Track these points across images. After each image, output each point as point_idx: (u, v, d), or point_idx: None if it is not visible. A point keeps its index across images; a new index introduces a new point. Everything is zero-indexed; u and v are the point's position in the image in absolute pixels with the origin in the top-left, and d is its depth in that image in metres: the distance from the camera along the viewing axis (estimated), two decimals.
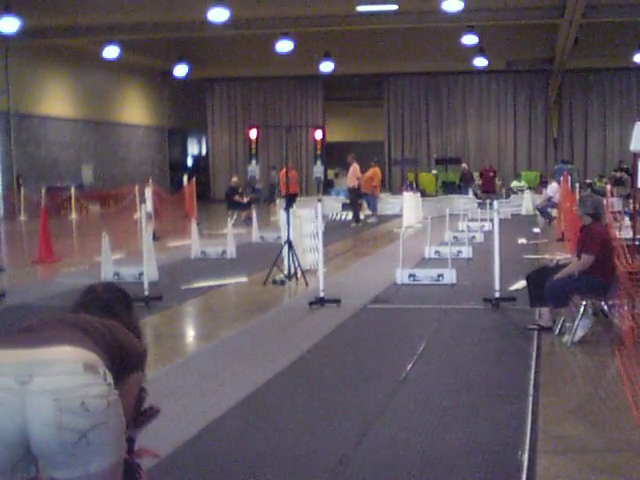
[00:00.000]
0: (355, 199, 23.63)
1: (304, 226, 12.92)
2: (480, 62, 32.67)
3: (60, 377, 2.72)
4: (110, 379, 2.84)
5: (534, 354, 7.39)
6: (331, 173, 37.09)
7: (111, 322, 3.16)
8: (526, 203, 26.52)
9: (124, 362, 3.04)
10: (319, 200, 11.21)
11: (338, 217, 25.37)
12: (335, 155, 35.60)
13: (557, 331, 8.10)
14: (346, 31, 29.96)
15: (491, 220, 13.50)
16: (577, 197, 14.53)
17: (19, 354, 2.79)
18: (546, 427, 5.40)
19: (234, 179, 24.85)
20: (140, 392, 3.37)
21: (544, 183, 27.45)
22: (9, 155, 28.84)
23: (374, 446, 5.12)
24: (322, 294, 9.87)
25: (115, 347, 3.01)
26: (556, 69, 34.19)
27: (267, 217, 24.68)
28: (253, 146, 12.91)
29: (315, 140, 13.58)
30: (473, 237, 16.62)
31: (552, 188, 21.75)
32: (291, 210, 12.50)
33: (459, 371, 6.92)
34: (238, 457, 4.99)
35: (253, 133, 12.77)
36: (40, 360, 2.75)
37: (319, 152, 13.85)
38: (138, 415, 3.39)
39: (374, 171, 23.87)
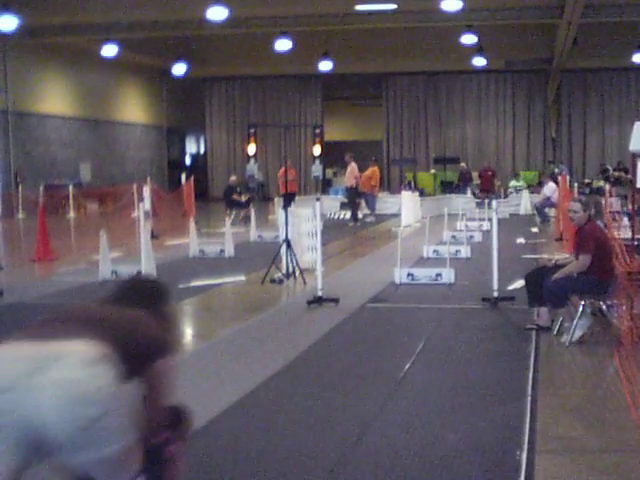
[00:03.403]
0: (353, 198, 23.63)
1: (302, 225, 12.90)
2: (479, 62, 32.66)
3: (71, 369, 2.91)
4: (119, 370, 3.04)
5: (532, 354, 7.38)
6: (329, 172, 37.07)
7: (136, 314, 3.39)
8: (524, 203, 26.53)
9: (146, 351, 3.26)
10: (317, 199, 11.19)
11: (336, 216, 25.36)
12: (333, 154, 35.60)
13: (555, 331, 8.09)
14: (345, 30, 29.92)
15: (489, 220, 13.50)
16: (574, 196, 14.51)
17: (33, 348, 2.99)
18: (545, 427, 5.39)
19: (232, 178, 24.84)
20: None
21: (541, 183, 27.44)
22: (7, 153, 28.81)
23: (372, 446, 5.11)
24: (320, 293, 9.86)
25: (134, 339, 3.23)
26: (555, 69, 34.19)
27: (265, 216, 24.67)
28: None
29: (314, 140, 13.57)
30: (471, 236, 16.63)
31: (549, 188, 21.74)
32: (289, 209, 12.49)
33: (457, 371, 6.91)
34: (236, 456, 4.98)
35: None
36: (52, 353, 2.95)
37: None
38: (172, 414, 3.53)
39: (373, 170, 23.87)
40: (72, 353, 2.98)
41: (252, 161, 13.24)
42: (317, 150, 13.36)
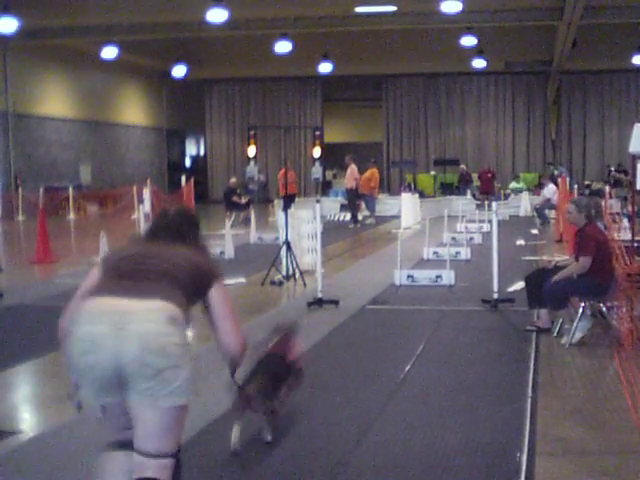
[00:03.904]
0: (353, 200, 23.63)
1: (302, 227, 12.90)
2: (479, 63, 32.69)
3: (148, 325, 3.38)
4: (189, 332, 3.59)
5: (532, 356, 7.38)
6: (329, 174, 37.07)
7: (190, 253, 3.77)
8: (524, 204, 26.53)
9: (205, 281, 3.70)
10: (317, 201, 11.19)
11: (336, 218, 25.36)
12: (333, 156, 35.61)
13: (556, 333, 8.09)
14: (345, 32, 29.93)
15: (489, 221, 13.50)
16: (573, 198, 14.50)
17: (117, 304, 3.44)
18: (545, 429, 5.39)
19: (232, 180, 24.84)
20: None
21: (541, 185, 27.45)
22: (7, 155, 28.81)
23: (373, 447, 5.12)
24: (320, 295, 9.86)
25: (197, 275, 3.66)
26: (555, 71, 34.20)
27: (265, 218, 24.67)
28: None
29: (314, 142, 13.58)
30: (471, 238, 16.62)
31: (549, 190, 21.73)
32: (289, 211, 12.50)
33: (457, 372, 6.91)
34: (236, 458, 4.98)
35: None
36: (134, 311, 3.41)
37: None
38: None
39: (372, 172, 23.87)
40: (153, 311, 3.42)
41: (252, 163, 13.24)
42: (317, 152, 13.36)
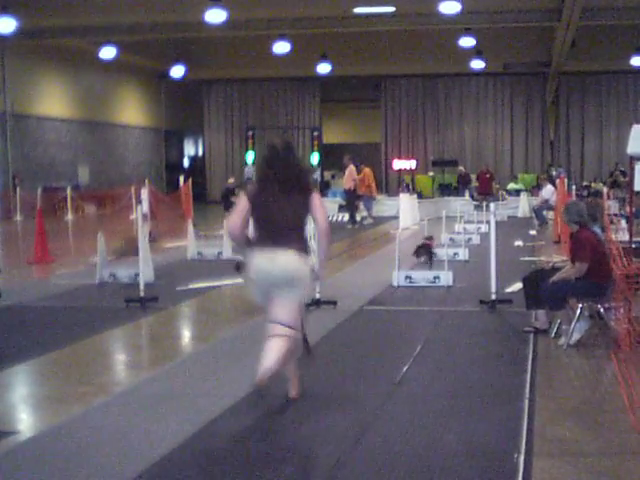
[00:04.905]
0: (351, 201, 23.64)
1: None
2: (477, 64, 32.71)
3: (287, 261, 5.72)
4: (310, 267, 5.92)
5: (530, 357, 7.39)
6: (328, 175, 37.08)
7: (297, 180, 5.87)
8: (522, 205, 26.55)
9: (309, 199, 5.83)
10: None
11: (334, 219, 25.35)
12: (332, 157, 35.60)
13: (553, 334, 8.10)
14: (343, 33, 29.92)
15: (487, 222, 13.51)
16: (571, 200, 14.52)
17: (272, 251, 5.74)
18: (542, 430, 5.40)
19: (230, 180, 24.84)
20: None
21: (540, 185, 27.46)
22: (5, 155, 28.80)
23: (370, 448, 5.12)
24: (318, 296, 9.86)
25: (305, 201, 5.82)
26: (553, 72, 34.23)
27: None
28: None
29: (312, 142, 13.60)
30: (469, 239, 16.64)
31: (548, 191, 21.73)
32: None
33: (455, 373, 6.92)
34: (235, 457, 4.99)
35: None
36: (279, 254, 5.73)
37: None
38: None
39: (365, 172, 23.91)
40: (288, 255, 5.72)
41: (250, 163, 13.24)
42: (315, 158, 13.43)
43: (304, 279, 5.79)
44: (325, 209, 6.07)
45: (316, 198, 5.87)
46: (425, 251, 13.72)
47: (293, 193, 5.77)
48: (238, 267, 6.77)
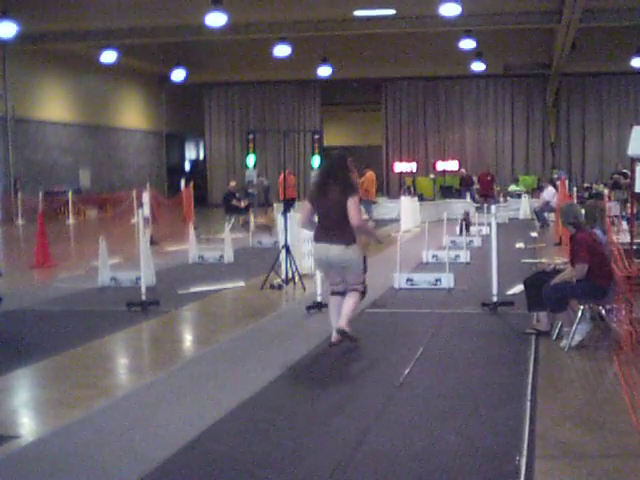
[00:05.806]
0: None
1: (302, 231, 12.88)
2: (478, 66, 32.70)
3: (340, 251, 7.67)
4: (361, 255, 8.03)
5: (532, 358, 7.39)
6: None
7: (343, 189, 7.69)
8: (524, 207, 26.53)
9: (348, 199, 7.60)
10: None
11: None
12: None
13: (555, 335, 8.10)
14: (344, 35, 29.95)
15: (489, 224, 13.51)
16: (573, 201, 14.53)
17: (327, 243, 7.71)
18: (544, 432, 5.40)
19: (232, 184, 24.83)
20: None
21: (541, 187, 27.43)
22: (6, 159, 28.83)
23: (372, 450, 5.12)
24: (319, 298, 9.87)
25: (345, 200, 7.61)
26: (554, 73, 34.23)
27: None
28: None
29: (313, 145, 13.66)
30: (471, 241, 16.63)
31: (549, 192, 21.72)
32: (289, 215, 12.51)
33: (457, 375, 6.92)
34: (237, 460, 4.99)
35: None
36: (332, 247, 7.68)
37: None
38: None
39: (366, 176, 23.88)
40: (340, 248, 7.65)
41: (251, 167, 13.25)
42: (316, 161, 13.47)
43: (352, 259, 7.73)
44: (357, 209, 7.63)
45: (350, 201, 7.58)
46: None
47: (341, 196, 7.60)
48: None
